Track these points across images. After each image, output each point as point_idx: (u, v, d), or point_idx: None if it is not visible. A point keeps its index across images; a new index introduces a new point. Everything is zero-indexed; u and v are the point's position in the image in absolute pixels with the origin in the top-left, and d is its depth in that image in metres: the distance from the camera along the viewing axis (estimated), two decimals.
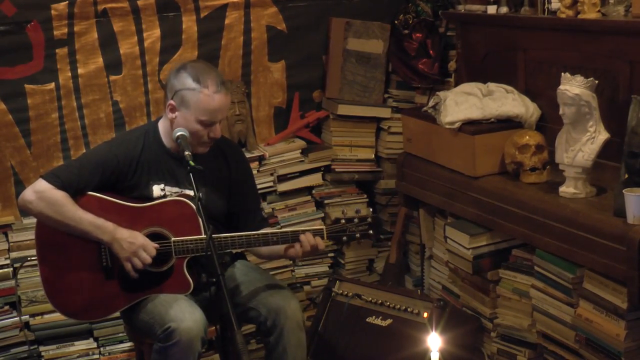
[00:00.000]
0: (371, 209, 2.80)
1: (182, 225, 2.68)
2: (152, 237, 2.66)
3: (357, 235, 2.73)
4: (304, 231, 2.71)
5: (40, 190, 2.63)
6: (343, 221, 2.74)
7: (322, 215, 3.82)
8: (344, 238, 2.74)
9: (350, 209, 3.81)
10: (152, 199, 2.74)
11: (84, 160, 2.75)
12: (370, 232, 2.74)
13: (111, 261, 2.68)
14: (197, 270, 2.73)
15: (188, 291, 2.70)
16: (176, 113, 2.70)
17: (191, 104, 2.66)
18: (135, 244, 2.61)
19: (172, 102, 2.70)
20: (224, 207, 2.87)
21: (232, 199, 2.90)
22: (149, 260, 2.62)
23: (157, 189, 2.76)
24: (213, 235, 2.52)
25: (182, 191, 2.77)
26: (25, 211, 2.74)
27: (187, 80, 2.67)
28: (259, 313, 2.76)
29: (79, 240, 2.65)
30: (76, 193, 2.65)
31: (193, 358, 2.57)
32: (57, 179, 2.64)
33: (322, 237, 2.72)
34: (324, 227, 2.73)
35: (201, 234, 2.66)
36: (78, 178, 2.66)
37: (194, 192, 2.53)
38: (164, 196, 2.75)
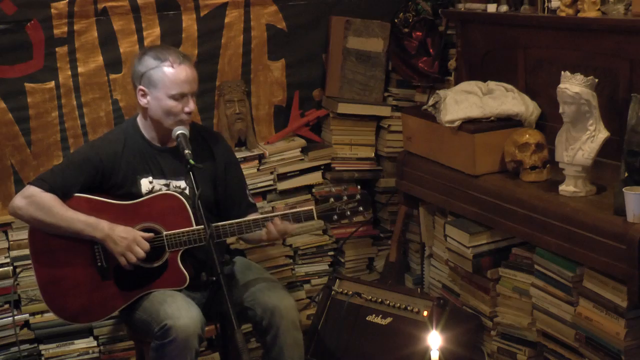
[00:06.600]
0: (359, 187, 2.76)
1: (173, 219, 2.69)
2: (145, 232, 2.67)
3: (348, 213, 2.69)
4: (275, 216, 2.70)
5: (29, 195, 2.65)
6: (332, 200, 2.70)
7: None
8: (335, 217, 2.70)
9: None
10: (140, 194, 2.74)
11: (67, 163, 2.78)
12: (360, 208, 2.70)
13: (106, 261, 2.68)
14: (196, 268, 2.73)
15: (184, 285, 2.70)
16: (147, 97, 2.73)
17: (158, 81, 2.69)
18: (128, 238, 2.62)
19: (141, 87, 2.72)
20: (212, 196, 2.87)
21: (218, 187, 2.89)
22: (142, 254, 2.63)
23: (145, 182, 2.76)
24: (202, 227, 2.52)
25: (169, 182, 2.77)
26: (16, 217, 2.76)
27: (148, 62, 2.71)
28: (255, 313, 2.76)
29: (73, 243, 2.66)
30: (64, 195, 2.66)
31: (190, 356, 2.57)
32: (43, 183, 2.66)
33: (313, 218, 2.70)
34: (313, 207, 2.71)
35: (192, 226, 2.67)
36: (63, 180, 2.67)
37: (194, 190, 2.53)
38: (153, 189, 2.75)
